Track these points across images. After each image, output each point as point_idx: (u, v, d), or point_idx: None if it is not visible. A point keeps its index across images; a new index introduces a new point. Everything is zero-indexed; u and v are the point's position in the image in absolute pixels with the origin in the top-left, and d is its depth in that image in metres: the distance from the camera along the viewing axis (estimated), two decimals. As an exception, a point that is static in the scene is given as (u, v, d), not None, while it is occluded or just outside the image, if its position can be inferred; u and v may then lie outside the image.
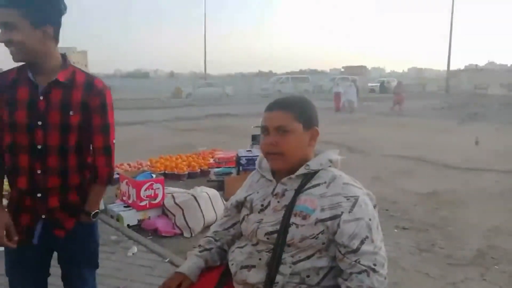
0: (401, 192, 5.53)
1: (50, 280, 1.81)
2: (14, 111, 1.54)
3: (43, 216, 1.64)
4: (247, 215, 1.44)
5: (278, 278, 1.30)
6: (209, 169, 6.07)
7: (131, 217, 4.10)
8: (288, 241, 1.31)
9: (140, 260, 3.28)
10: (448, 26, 36.07)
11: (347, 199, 1.30)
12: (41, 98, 1.55)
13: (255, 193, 1.45)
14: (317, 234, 1.29)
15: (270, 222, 1.35)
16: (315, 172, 1.37)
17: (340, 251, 1.28)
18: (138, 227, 4.03)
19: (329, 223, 1.28)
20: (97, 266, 1.83)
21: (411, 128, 12.40)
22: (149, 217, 4.14)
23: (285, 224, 1.31)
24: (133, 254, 3.38)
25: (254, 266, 1.36)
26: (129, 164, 6.04)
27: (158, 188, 4.19)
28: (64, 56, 1.63)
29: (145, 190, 4.11)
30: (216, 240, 1.55)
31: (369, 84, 38.80)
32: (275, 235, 1.33)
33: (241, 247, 1.43)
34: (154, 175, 4.45)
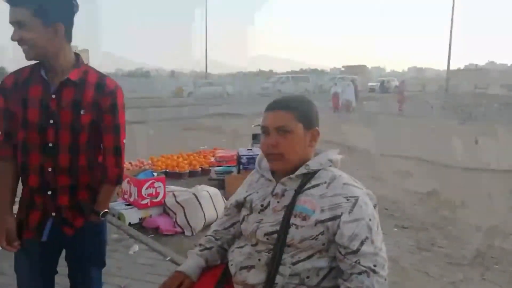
0: (401, 191, 5.54)
1: (56, 279, 1.81)
2: (27, 109, 1.56)
3: (53, 214, 1.65)
4: (247, 215, 1.44)
5: (278, 278, 1.30)
6: (210, 168, 6.08)
7: (132, 215, 4.11)
8: (287, 242, 1.30)
9: (141, 258, 3.28)
10: (448, 26, 36.03)
11: (347, 200, 1.29)
12: (53, 96, 1.56)
13: (254, 193, 1.45)
14: (317, 235, 1.28)
15: (270, 223, 1.35)
16: (315, 172, 1.37)
17: (340, 252, 1.28)
18: (140, 226, 4.04)
19: (329, 224, 1.28)
20: (104, 265, 1.84)
21: (411, 128, 12.39)
22: (151, 215, 4.15)
23: (285, 225, 1.31)
24: (134, 252, 3.38)
25: (253, 267, 1.35)
26: (130, 163, 6.05)
27: (159, 187, 4.20)
28: (77, 55, 1.64)
29: (147, 188, 4.13)
30: (216, 239, 1.54)
31: (369, 84, 38.72)
32: (275, 236, 1.32)
33: (241, 248, 1.43)
34: (155, 174, 4.45)
